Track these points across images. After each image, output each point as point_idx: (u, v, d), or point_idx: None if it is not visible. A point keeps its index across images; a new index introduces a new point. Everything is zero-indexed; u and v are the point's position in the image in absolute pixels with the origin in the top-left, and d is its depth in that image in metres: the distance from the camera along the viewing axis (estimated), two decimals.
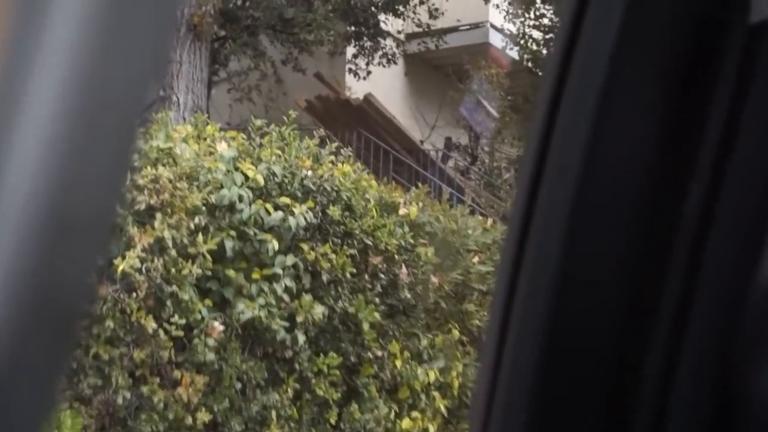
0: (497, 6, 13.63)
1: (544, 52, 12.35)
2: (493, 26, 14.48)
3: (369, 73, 12.98)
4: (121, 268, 5.64)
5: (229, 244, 6.04)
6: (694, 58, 0.76)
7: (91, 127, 0.49)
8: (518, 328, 0.77)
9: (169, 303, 5.81)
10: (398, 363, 6.55)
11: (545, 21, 12.74)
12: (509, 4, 13.43)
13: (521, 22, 13.34)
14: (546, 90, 0.78)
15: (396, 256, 6.68)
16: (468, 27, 14.54)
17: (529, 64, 12.95)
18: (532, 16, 13.13)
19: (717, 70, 0.76)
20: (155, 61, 0.52)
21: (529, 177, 0.78)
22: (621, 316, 0.77)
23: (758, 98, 0.75)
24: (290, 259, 6.21)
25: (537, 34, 12.99)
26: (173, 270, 5.81)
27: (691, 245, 0.76)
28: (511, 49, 13.60)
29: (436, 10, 13.15)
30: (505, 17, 13.63)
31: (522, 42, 13.23)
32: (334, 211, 6.43)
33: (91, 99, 0.49)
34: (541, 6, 12.83)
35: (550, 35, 12.19)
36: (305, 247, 6.28)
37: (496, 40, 14.28)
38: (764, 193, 0.76)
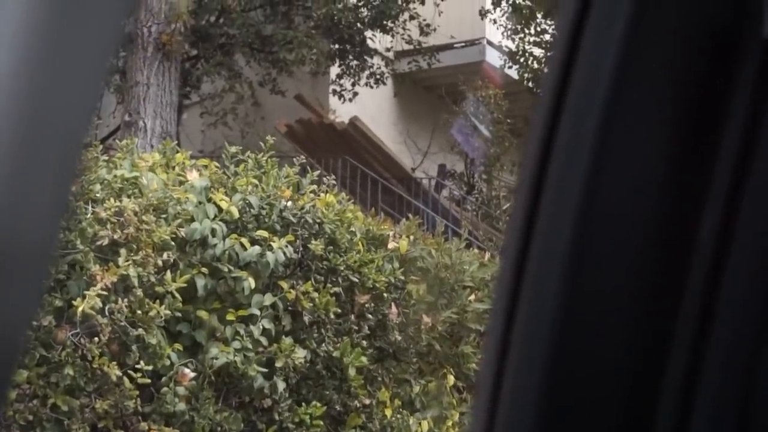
0: (494, 21, 13.71)
1: (546, 70, 12.40)
2: (490, 43, 14.55)
3: (355, 94, 13.02)
4: (81, 309, 5.61)
5: (200, 283, 6.03)
6: (705, 73, 0.77)
7: (27, 157, 0.50)
8: (517, 360, 0.77)
9: (134, 348, 5.78)
10: (388, 412, 6.52)
11: (547, 37, 12.81)
12: (507, 19, 13.51)
13: (521, 39, 13.42)
14: (544, 107, 0.78)
15: (385, 295, 6.67)
16: (463, 44, 14.62)
17: (530, 84, 13.01)
18: (532, 31, 13.21)
19: (730, 85, 0.77)
20: (96, 87, 0.53)
21: (526, 202, 0.78)
22: (634, 341, 0.77)
23: None
24: (268, 299, 6.19)
25: (538, 51, 13.06)
26: (139, 311, 5.78)
27: (709, 267, 0.77)
28: (510, 67, 13.67)
29: (428, 26, 13.22)
30: (503, 33, 13.71)
31: (522, 60, 13.30)
32: (317, 246, 6.42)
33: (29, 128, 0.50)
34: (542, 21, 12.92)
35: (552, 51, 12.25)
36: (285, 285, 6.26)
37: (494, 58, 14.35)
38: None
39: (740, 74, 0.77)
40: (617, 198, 0.77)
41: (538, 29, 13.06)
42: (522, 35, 13.43)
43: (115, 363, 5.72)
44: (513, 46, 13.61)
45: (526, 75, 13.20)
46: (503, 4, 13.13)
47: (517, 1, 13.01)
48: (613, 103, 0.76)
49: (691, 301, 0.77)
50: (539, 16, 12.95)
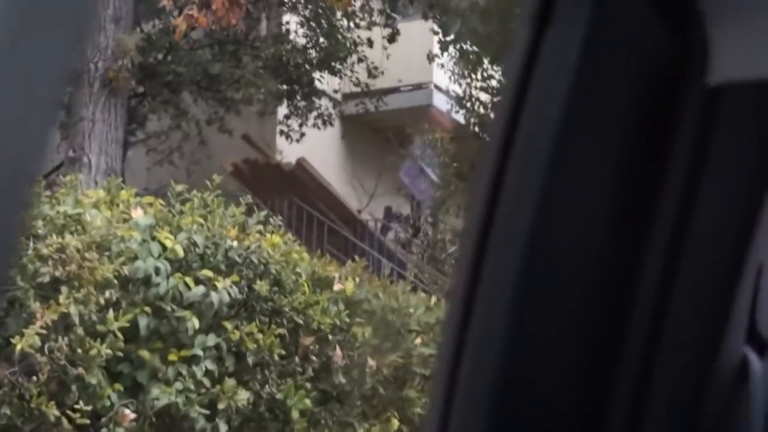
0: (442, 66, 13.82)
1: (492, 115, 12.52)
2: (437, 87, 14.65)
3: (302, 135, 13.03)
4: (19, 347, 5.53)
5: (143, 322, 5.97)
6: (651, 118, 0.79)
7: None
8: (463, 405, 0.77)
9: (74, 387, 5.71)
10: None
11: (493, 82, 12.93)
12: (454, 64, 13.62)
13: (467, 84, 13.53)
14: (491, 152, 0.79)
15: (330, 337, 6.64)
16: (410, 88, 14.70)
17: (477, 128, 13.11)
18: (479, 77, 13.33)
19: (675, 131, 0.79)
20: (46, 122, 0.52)
21: (473, 246, 0.78)
22: (579, 385, 0.78)
23: (717, 159, 0.79)
24: (212, 339, 6.14)
25: (484, 97, 13.18)
26: (79, 350, 5.71)
27: (651, 315, 0.78)
28: (457, 112, 13.77)
29: (376, 68, 13.28)
30: (450, 78, 13.82)
31: (468, 104, 13.41)
32: (262, 286, 6.39)
33: None
34: (489, 66, 13.04)
35: (499, 97, 12.38)
36: (229, 325, 6.21)
37: (441, 102, 14.45)
38: (727, 256, 0.80)
39: (685, 119, 0.78)
40: (563, 242, 0.77)
41: (485, 74, 13.17)
42: (469, 80, 13.55)
43: (53, 403, 5.64)
44: (460, 91, 13.73)
45: (472, 119, 13.30)
46: (450, 48, 13.25)
47: (464, 47, 13.13)
48: (558, 149, 0.76)
49: (633, 345, 0.78)
50: (486, 61, 13.07)
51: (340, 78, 13.38)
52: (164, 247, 6.26)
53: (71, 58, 0.54)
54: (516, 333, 0.76)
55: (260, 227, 6.89)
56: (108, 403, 5.81)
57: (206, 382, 6.07)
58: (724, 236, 0.80)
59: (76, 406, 5.71)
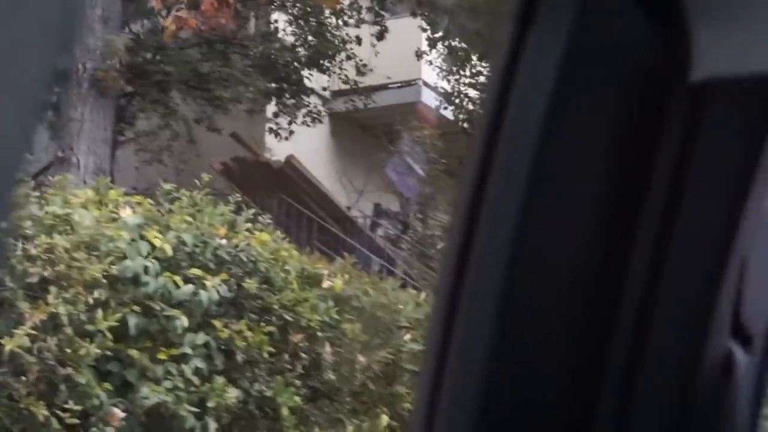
0: (430, 62, 13.82)
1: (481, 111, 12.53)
2: (425, 84, 14.65)
3: (291, 133, 13.01)
4: (8, 348, 5.51)
5: (132, 321, 5.95)
6: (635, 116, 0.79)
7: None
8: (449, 400, 0.77)
9: (63, 387, 5.68)
10: None
11: (482, 78, 12.93)
12: (443, 60, 13.62)
13: (456, 80, 13.54)
14: (477, 150, 0.79)
15: (319, 334, 6.63)
16: (399, 85, 14.70)
17: (465, 125, 13.11)
18: (467, 73, 13.34)
19: (659, 128, 0.79)
20: (30, 124, 0.52)
21: (458, 241, 0.78)
22: (565, 381, 0.78)
23: (701, 157, 0.80)
24: (201, 338, 6.12)
25: (473, 93, 13.17)
26: (68, 350, 5.68)
27: (637, 311, 0.79)
28: (446, 108, 13.76)
29: (365, 66, 13.28)
30: (438, 74, 13.81)
31: (457, 101, 13.41)
32: (251, 284, 6.38)
33: None
34: (477, 63, 13.04)
35: (484, 97, 12.40)
36: (218, 323, 6.19)
37: (429, 98, 14.44)
38: (712, 251, 0.81)
39: (669, 117, 0.79)
40: (548, 238, 0.77)
41: (473, 71, 13.18)
42: (457, 77, 13.55)
43: (42, 403, 5.61)
44: (449, 87, 13.73)
45: (461, 116, 13.30)
46: (439, 45, 13.24)
47: (453, 43, 13.13)
48: (542, 149, 0.76)
49: (619, 341, 0.78)
50: (474, 58, 13.08)
51: (329, 76, 13.38)
52: (153, 246, 6.24)
53: (58, 58, 0.54)
54: (501, 331, 0.76)
55: (249, 225, 6.87)
56: (97, 403, 5.78)
57: (195, 380, 6.05)
58: (709, 232, 0.81)
59: (66, 406, 5.68)
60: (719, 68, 0.80)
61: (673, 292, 0.79)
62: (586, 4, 0.77)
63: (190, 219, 6.62)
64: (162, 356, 6.02)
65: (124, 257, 6.09)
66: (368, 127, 14.72)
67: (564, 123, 0.77)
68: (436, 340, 0.78)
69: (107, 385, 5.87)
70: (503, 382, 0.76)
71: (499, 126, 0.78)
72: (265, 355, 6.33)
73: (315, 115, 13.29)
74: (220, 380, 6.12)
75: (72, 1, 0.54)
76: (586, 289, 0.78)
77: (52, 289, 5.77)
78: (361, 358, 6.89)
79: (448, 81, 13.69)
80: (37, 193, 6.54)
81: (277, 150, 13.21)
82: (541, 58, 0.77)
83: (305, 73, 12.81)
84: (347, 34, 13.21)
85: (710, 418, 0.81)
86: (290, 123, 13.01)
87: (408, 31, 13.67)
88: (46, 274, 5.79)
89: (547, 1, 0.78)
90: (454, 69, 13.63)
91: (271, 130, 13.11)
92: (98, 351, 5.78)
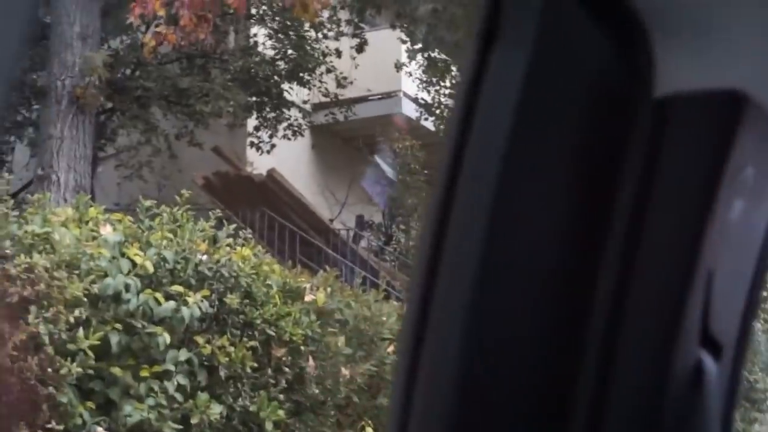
0: (410, 74, 13.82)
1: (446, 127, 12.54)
2: (406, 95, 14.65)
3: (272, 146, 12.99)
4: None
5: (114, 339, 5.91)
6: (599, 130, 0.80)
7: None
8: (421, 414, 0.78)
9: (45, 407, 5.63)
10: None
11: None
12: (423, 72, 13.63)
13: (436, 91, 13.54)
14: (442, 172, 0.81)
15: (302, 348, 6.60)
16: (379, 96, 14.70)
17: None
18: (447, 84, 13.34)
19: (624, 143, 0.80)
20: None
21: (428, 250, 0.79)
22: (536, 392, 0.79)
23: (666, 170, 0.81)
24: (183, 354, 6.09)
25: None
26: (50, 369, 5.64)
27: (606, 320, 0.80)
28: (426, 119, 13.77)
29: (345, 78, 13.27)
30: (418, 86, 13.82)
31: (437, 112, 13.41)
32: (233, 300, 6.35)
33: None
34: (457, 74, 13.04)
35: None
36: (200, 339, 6.17)
37: (410, 110, 14.45)
38: (679, 263, 0.82)
39: (633, 131, 0.79)
40: (516, 247, 0.78)
41: (453, 82, 13.18)
42: (437, 87, 13.56)
43: (23, 423, 5.56)
44: (429, 99, 13.73)
45: (441, 126, 13.29)
46: (419, 57, 13.25)
47: (432, 55, 13.14)
48: (507, 166, 0.77)
49: (590, 349, 0.79)
50: (454, 69, 13.09)
51: (309, 89, 13.36)
52: (134, 264, 6.20)
53: (10, 67, 0.52)
54: (472, 336, 0.76)
55: (230, 240, 6.85)
56: (80, 422, 5.74)
57: (179, 397, 6.02)
58: (675, 243, 0.82)
59: (48, 426, 5.64)
60: (681, 84, 0.81)
61: (642, 301, 0.80)
62: (548, 23, 0.78)
63: (170, 235, 6.58)
64: (144, 373, 5.98)
65: (105, 275, 6.05)
66: (349, 140, 14.71)
67: (528, 139, 0.78)
68: (408, 346, 0.78)
69: (90, 404, 5.84)
70: (475, 386, 0.77)
71: (465, 141, 0.78)
72: (248, 370, 6.31)
73: (296, 129, 13.27)
74: (203, 396, 6.09)
75: (24, 6, 0.53)
76: (554, 300, 0.78)
77: (33, 308, 5.72)
78: (345, 371, 6.87)
79: (428, 92, 13.70)
80: (16, 213, 6.49)
81: (258, 163, 13.19)
82: (504, 74, 0.78)
83: (285, 86, 12.80)
84: (327, 47, 13.21)
85: (682, 425, 0.82)
86: (271, 136, 12.99)
87: (387, 43, 13.68)
88: (26, 293, 5.74)
89: (510, 19, 0.78)
90: (434, 80, 13.64)
91: (252, 143, 13.09)
92: (80, 370, 5.74)
